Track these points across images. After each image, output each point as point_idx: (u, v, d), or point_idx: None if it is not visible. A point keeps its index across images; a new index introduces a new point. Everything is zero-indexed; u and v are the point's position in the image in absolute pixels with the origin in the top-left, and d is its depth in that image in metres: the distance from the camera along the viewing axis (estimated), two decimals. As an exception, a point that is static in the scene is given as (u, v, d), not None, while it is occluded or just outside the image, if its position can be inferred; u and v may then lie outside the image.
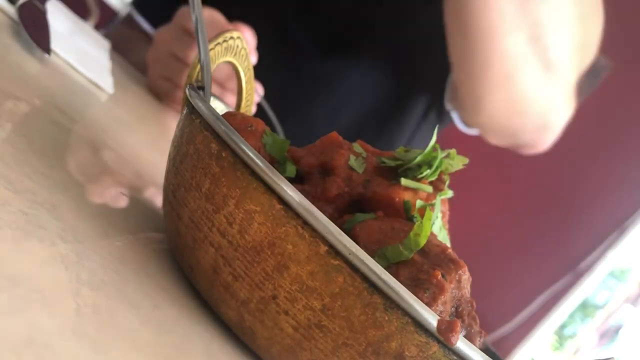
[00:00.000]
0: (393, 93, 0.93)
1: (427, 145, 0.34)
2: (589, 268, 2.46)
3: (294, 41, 0.89)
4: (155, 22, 0.94)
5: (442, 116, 0.95)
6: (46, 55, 0.48)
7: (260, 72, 0.72)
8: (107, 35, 0.95)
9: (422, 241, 0.28)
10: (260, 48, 0.74)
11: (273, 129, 0.77)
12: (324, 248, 0.25)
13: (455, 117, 0.93)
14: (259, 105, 0.74)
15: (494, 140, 0.86)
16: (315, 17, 0.90)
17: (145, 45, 0.92)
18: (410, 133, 0.96)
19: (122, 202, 0.35)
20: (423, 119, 0.95)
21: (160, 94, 0.76)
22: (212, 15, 0.72)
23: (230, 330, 0.29)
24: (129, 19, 0.99)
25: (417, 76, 0.92)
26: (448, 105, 0.92)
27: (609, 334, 2.70)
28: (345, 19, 0.90)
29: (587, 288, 2.50)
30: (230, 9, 0.73)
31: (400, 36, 0.90)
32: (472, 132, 0.95)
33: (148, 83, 0.78)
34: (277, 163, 0.33)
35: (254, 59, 0.72)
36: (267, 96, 0.76)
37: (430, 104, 0.94)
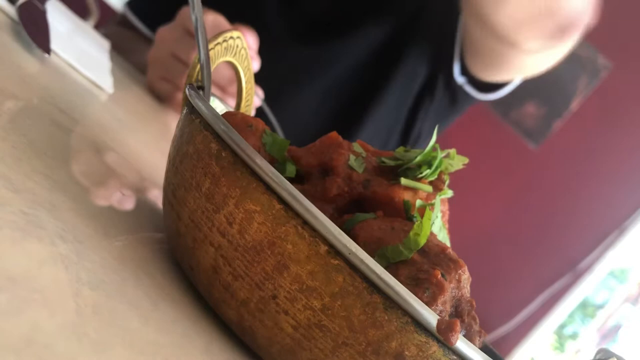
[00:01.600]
0: (378, 75, 0.91)
1: (427, 145, 0.34)
2: (588, 268, 2.46)
3: (273, 29, 0.88)
4: (150, 23, 0.94)
5: (454, 97, 0.92)
6: (46, 55, 0.48)
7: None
8: (105, 35, 0.95)
9: (422, 241, 0.28)
10: None
11: (273, 131, 0.77)
12: (323, 248, 0.25)
13: (469, 89, 0.90)
14: (259, 109, 0.74)
15: (526, 39, 0.74)
16: (295, 5, 0.89)
17: (144, 46, 0.92)
18: (409, 110, 0.93)
19: (128, 205, 0.35)
20: (428, 99, 0.92)
21: (160, 96, 0.76)
22: (216, 19, 0.71)
23: (230, 330, 0.29)
24: (123, 19, 0.98)
25: (405, 55, 0.89)
26: (459, 79, 0.89)
27: (609, 334, 2.70)
28: (325, 5, 0.90)
29: (586, 288, 2.51)
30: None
31: (381, 19, 0.88)
32: (489, 97, 0.92)
33: (147, 84, 0.78)
34: (277, 163, 0.33)
35: (256, 64, 0.72)
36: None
37: (429, 84, 0.91)
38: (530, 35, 0.74)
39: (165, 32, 0.75)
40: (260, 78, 0.77)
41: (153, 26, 0.94)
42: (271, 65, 0.83)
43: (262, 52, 0.76)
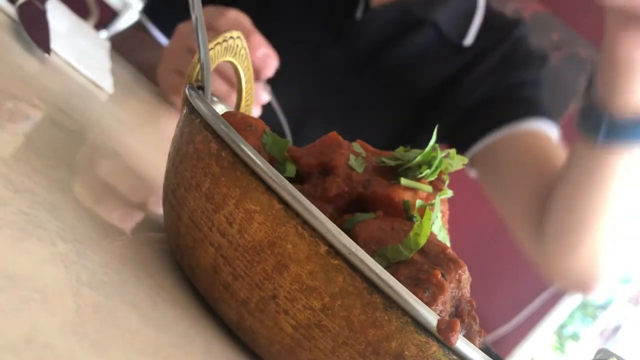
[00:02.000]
0: (408, 128, 0.96)
1: (427, 145, 0.34)
2: (589, 268, 2.45)
3: (325, 62, 0.92)
4: (166, 30, 0.94)
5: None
6: (46, 55, 0.48)
7: (289, 90, 0.75)
8: (111, 38, 0.95)
9: (422, 241, 0.28)
10: (291, 68, 0.75)
11: (282, 132, 0.78)
12: (323, 248, 0.25)
13: (470, 170, 0.97)
14: (268, 107, 0.74)
15: (556, 279, 0.90)
16: (347, 42, 0.93)
17: (146, 47, 0.91)
18: None
19: (129, 224, 0.35)
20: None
21: (168, 88, 0.76)
22: (238, 17, 0.71)
23: (230, 330, 0.29)
24: (139, 26, 0.98)
25: (434, 117, 0.95)
26: (471, 171, 0.96)
27: (609, 334, 2.70)
28: (374, 50, 0.93)
29: (587, 288, 2.50)
30: (264, 29, 0.73)
31: (418, 79, 0.94)
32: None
33: (157, 76, 0.77)
34: (277, 163, 0.33)
35: (274, 63, 0.71)
36: (289, 113, 0.77)
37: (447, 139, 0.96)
38: (558, 278, 0.89)
39: (184, 27, 0.75)
40: (298, 102, 0.80)
41: (168, 31, 0.94)
42: (314, 92, 0.87)
43: (310, 78, 0.77)
